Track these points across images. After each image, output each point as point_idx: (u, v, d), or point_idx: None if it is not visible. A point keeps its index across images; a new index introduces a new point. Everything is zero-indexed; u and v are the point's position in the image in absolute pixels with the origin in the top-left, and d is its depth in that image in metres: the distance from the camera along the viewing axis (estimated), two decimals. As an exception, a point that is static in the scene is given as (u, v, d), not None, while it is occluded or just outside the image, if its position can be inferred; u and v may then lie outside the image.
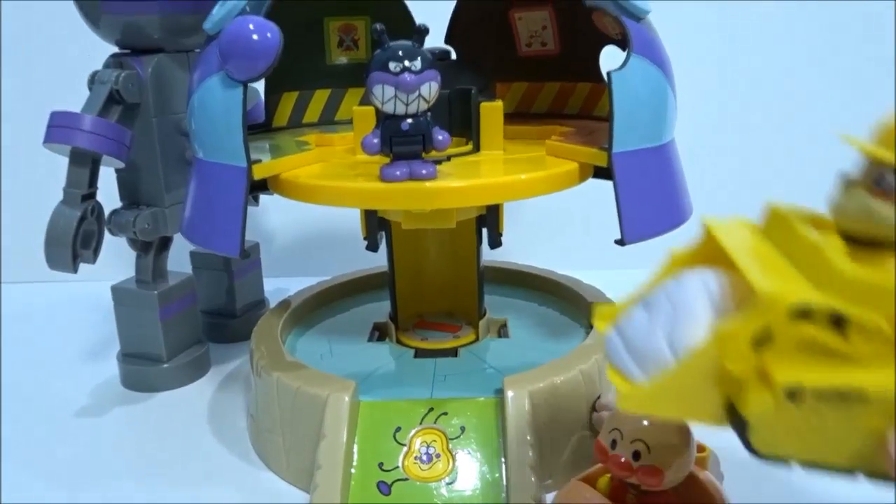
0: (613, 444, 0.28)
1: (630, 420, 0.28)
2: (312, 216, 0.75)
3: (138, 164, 0.48)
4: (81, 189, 0.44)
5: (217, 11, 0.38)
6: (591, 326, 0.46)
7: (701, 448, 0.31)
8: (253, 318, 0.59)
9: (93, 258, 0.46)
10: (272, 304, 0.62)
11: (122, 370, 0.52)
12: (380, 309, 0.51)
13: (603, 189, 0.43)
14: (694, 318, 0.22)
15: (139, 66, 0.46)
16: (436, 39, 0.49)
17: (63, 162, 0.45)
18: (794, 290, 0.20)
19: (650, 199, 0.37)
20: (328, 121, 0.53)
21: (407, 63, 0.33)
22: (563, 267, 0.55)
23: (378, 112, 0.36)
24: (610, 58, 0.48)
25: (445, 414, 0.37)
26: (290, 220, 0.75)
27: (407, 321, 0.48)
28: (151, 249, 0.50)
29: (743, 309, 0.20)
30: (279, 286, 0.67)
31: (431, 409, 0.37)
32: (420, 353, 0.45)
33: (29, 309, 0.68)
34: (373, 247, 0.44)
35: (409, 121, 0.34)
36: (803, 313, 0.19)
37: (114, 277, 0.52)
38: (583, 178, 0.39)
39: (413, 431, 0.37)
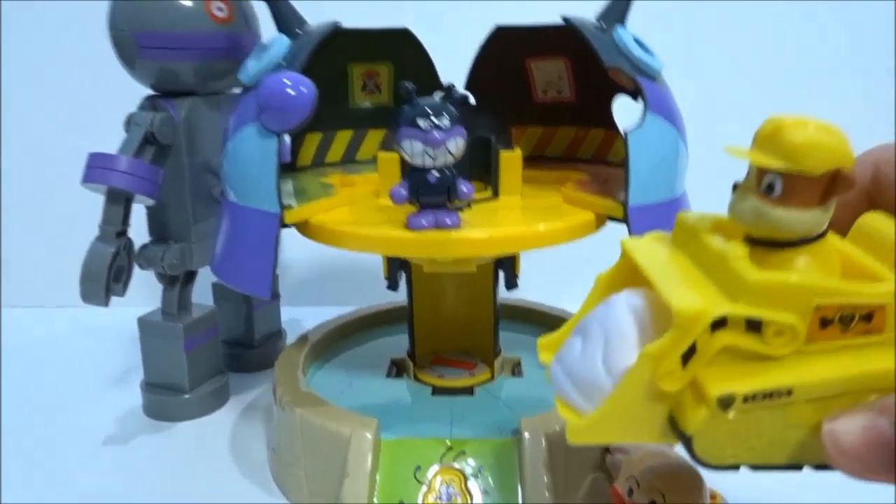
0: (630, 492, 0.29)
1: (647, 469, 0.29)
2: (326, 247, 0.77)
3: (167, 201, 0.50)
4: (116, 226, 0.46)
5: (253, 64, 0.40)
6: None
7: (713, 495, 0.32)
8: (270, 348, 0.61)
9: (123, 291, 0.48)
10: (289, 333, 0.64)
11: (146, 399, 0.53)
12: (396, 343, 0.53)
13: (616, 231, 0.45)
14: (625, 341, 0.22)
15: (172, 108, 0.48)
16: (456, 85, 0.52)
17: (93, 196, 0.47)
18: (708, 304, 0.20)
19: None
20: (350, 160, 0.55)
21: (435, 120, 0.35)
22: (576, 306, 0.56)
23: (404, 161, 0.38)
24: (622, 105, 0.50)
25: (464, 453, 0.39)
26: (304, 249, 0.77)
27: (424, 357, 0.50)
28: (178, 283, 0.52)
29: (668, 326, 0.20)
30: (295, 316, 0.68)
31: (450, 449, 0.39)
32: (437, 391, 0.46)
33: (54, 334, 0.69)
34: (393, 286, 0.45)
35: (436, 174, 0.36)
36: (719, 323, 0.20)
37: (135, 303, 0.53)
38: (598, 227, 0.41)
39: (433, 470, 0.38)
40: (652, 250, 0.25)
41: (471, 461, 0.38)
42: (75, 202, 0.51)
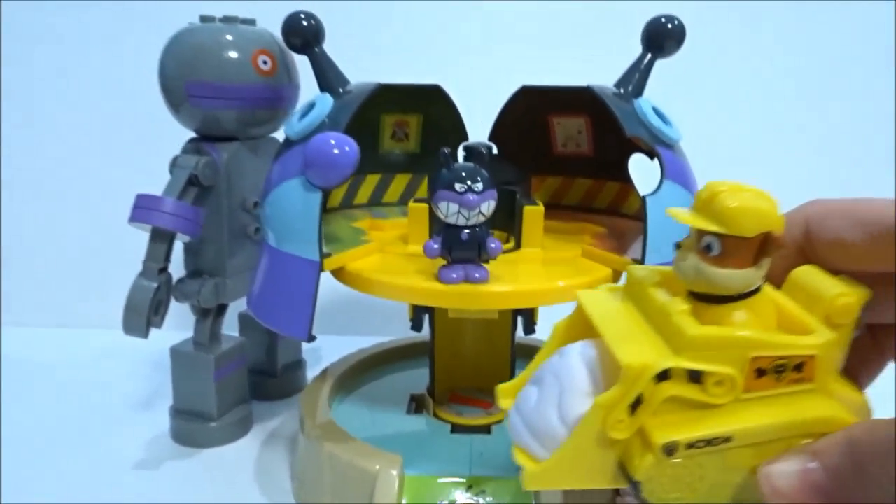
0: None
1: None
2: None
3: (205, 238, 0.53)
4: (158, 263, 0.49)
5: (298, 121, 0.43)
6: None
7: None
8: (290, 377, 0.64)
9: (160, 323, 0.50)
10: (309, 363, 0.67)
11: (173, 425, 0.56)
12: (414, 378, 0.55)
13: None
14: (578, 391, 0.24)
15: (215, 152, 0.51)
16: (480, 134, 0.55)
17: (129, 227, 0.50)
18: (653, 357, 0.22)
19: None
20: (377, 202, 0.58)
21: (470, 184, 0.38)
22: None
23: (432, 212, 0.41)
24: (638, 161, 0.53)
25: (484, 491, 0.41)
26: (322, 280, 0.79)
27: (442, 395, 0.52)
28: (210, 315, 0.55)
29: (617, 377, 0.22)
30: (314, 345, 0.70)
31: (471, 487, 0.41)
32: (456, 429, 0.49)
33: (84, 355, 0.71)
34: (418, 328, 0.48)
35: (468, 231, 0.39)
36: (663, 375, 0.22)
37: (164, 328, 0.55)
38: (615, 282, 0.44)
39: (454, 506, 0.41)
40: (604, 302, 0.27)
41: (490, 499, 0.41)
42: (115, 233, 0.54)
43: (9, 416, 0.58)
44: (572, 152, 0.57)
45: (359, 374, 0.57)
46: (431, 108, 0.55)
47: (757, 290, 0.23)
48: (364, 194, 0.58)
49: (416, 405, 0.53)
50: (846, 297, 0.22)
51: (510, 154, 0.55)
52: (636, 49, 0.46)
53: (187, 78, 0.49)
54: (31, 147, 0.78)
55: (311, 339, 0.41)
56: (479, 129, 0.56)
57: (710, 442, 0.22)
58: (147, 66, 0.52)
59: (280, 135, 0.49)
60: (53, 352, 0.72)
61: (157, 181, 0.50)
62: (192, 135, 0.54)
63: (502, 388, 0.28)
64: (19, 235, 0.79)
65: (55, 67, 0.76)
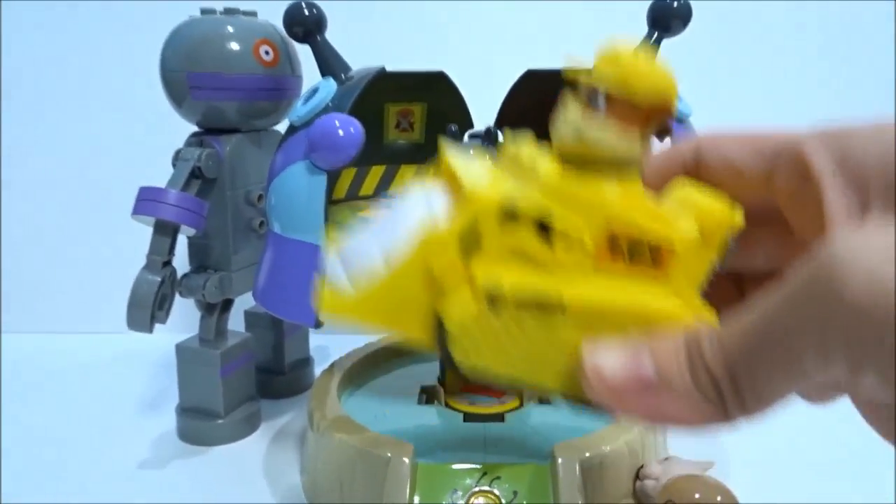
0: None
1: (685, 491, 0.31)
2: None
3: (209, 232, 0.52)
4: (162, 256, 0.48)
5: (302, 106, 0.43)
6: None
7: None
8: (299, 374, 0.63)
9: (165, 318, 0.50)
10: (316, 361, 0.66)
11: (180, 423, 0.55)
12: (424, 370, 0.54)
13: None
14: (409, 225, 0.20)
15: (218, 144, 0.51)
16: (486, 123, 0.54)
17: (135, 227, 0.49)
18: (504, 191, 0.19)
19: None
20: (382, 194, 0.57)
21: (478, 161, 0.37)
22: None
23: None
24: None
25: (499, 478, 0.40)
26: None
27: (453, 385, 0.51)
28: (216, 310, 0.54)
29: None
30: (321, 343, 0.70)
31: (485, 474, 0.40)
32: (468, 417, 0.48)
33: (90, 360, 0.71)
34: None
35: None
36: (510, 214, 0.19)
37: (169, 329, 0.55)
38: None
39: (469, 494, 0.39)
40: (473, 164, 0.22)
41: (506, 485, 0.40)
42: (120, 233, 0.54)
43: (15, 421, 0.57)
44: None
45: (368, 367, 0.56)
46: (435, 96, 0.55)
47: (632, 167, 0.21)
48: (370, 186, 0.57)
49: (428, 396, 0.52)
50: (722, 209, 0.20)
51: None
52: (642, 31, 0.46)
53: (189, 70, 0.49)
54: (29, 148, 0.77)
55: (319, 325, 0.40)
56: (484, 117, 0.55)
57: (540, 305, 0.19)
58: (148, 61, 0.52)
59: (283, 127, 0.48)
60: (58, 358, 0.71)
61: (160, 180, 0.49)
62: (195, 130, 0.53)
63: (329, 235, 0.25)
64: (18, 239, 0.78)
65: (54, 65, 0.75)
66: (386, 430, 0.43)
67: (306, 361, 0.65)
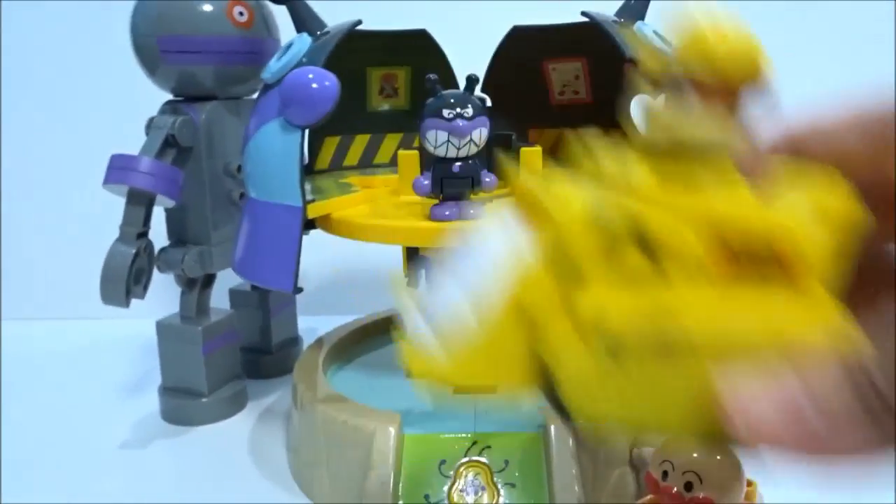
0: (664, 475, 0.29)
1: (681, 452, 0.29)
2: (342, 256, 0.77)
3: (187, 204, 0.50)
4: (137, 227, 0.46)
5: (275, 62, 0.41)
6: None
7: (748, 482, 0.31)
8: (287, 354, 0.61)
9: (142, 293, 0.48)
10: (305, 341, 0.64)
11: (163, 404, 0.53)
12: (415, 346, 0.53)
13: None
14: (491, 265, 0.17)
15: (193, 112, 0.49)
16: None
17: (106, 201, 0.47)
18: (592, 205, 0.16)
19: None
20: (367, 164, 0.56)
21: (459, 110, 0.35)
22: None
23: (424, 157, 0.38)
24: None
25: (489, 447, 0.38)
26: (320, 259, 0.77)
27: (444, 358, 0.49)
28: (196, 286, 0.52)
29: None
30: (311, 325, 0.68)
31: (475, 443, 0.38)
32: (459, 389, 0.46)
33: (69, 345, 0.69)
34: (413, 284, 0.45)
35: (460, 163, 0.36)
36: (604, 231, 0.16)
37: (152, 314, 0.53)
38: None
39: (458, 464, 0.38)
40: (552, 182, 0.19)
41: (497, 455, 0.38)
42: (91, 212, 0.52)
43: (-7, 404, 0.56)
44: (570, 100, 0.54)
45: (356, 343, 0.54)
46: (419, 58, 0.53)
47: (728, 157, 0.17)
48: (354, 156, 0.55)
49: (417, 370, 0.50)
50: (844, 200, 0.17)
51: (505, 107, 0.52)
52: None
53: (159, 33, 0.47)
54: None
55: (298, 290, 0.38)
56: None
57: (658, 337, 0.16)
58: (118, 29, 0.50)
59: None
60: (40, 343, 0.70)
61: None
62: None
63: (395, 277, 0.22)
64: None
65: (26, 43, 0.73)
66: (375, 404, 0.41)
67: (294, 341, 0.63)
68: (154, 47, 0.47)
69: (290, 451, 0.46)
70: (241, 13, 0.48)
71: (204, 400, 0.52)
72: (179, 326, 0.52)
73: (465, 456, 0.38)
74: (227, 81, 0.50)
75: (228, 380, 0.54)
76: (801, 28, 0.72)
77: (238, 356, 0.55)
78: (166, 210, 0.51)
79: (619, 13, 0.42)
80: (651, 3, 0.43)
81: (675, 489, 0.28)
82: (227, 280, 0.55)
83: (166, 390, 0.53)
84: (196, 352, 0.51)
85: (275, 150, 0.39)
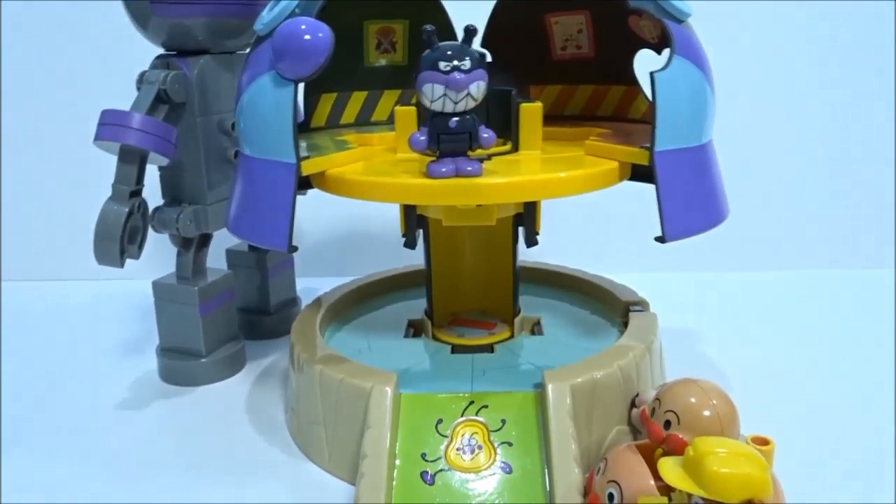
0: (653, 413, 0.30)
1: (671, 394, 0.29)
2: (341, 216, 0.77)
3: (182, 163, 0.49)
4: (129, 185, 0.45)
5: (267, 13, 0.39)
6: (624, 325, 0.46)
7: (764, 441, 0.31)
8: (285, 315, 0.61)
9: (137, 254, 0.47)
10: (304, 302, 0.64)
11: (161, 364, 0.53)
12: (413, 307, 0.52)
13: (632, 194, 0.44)
14: None
15: (185, 66, 0.48)
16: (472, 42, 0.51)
17: (101, 161, 0.46)
18: None
19: (690, 198, 0.38)
20: (365, 122, 0.54)
21: (457, 62, 0.34)
22: (594, 269, 0.56)
23: (422, 112, 0.37)
24: (643, 61, 0.49)
25: (486, 407, 0.38)
26: (319, 219, 0.76)
27: (442, 319, 0.49)
28: (192, 246, 0.51)
29: None
30: (310, 286, 0.68)
31: (472, 403, 0.38)
32: (457, 349, 0.46)
33: (67, 306, 0.69)
34: (411, 244, 0.44)
35: (457, 119, 0.35)
36: None
37: (148, 276, 0.53)
38: (622, 178, 0.40)
39: (455, 423, 0.37)
40: None
41: (494, 414, 0.38)
42: (84, 170, 0.51)
43: (-9, 364, 0.56)
44: (572, 55, 0.52)
45: (354, 304, 0.54)
46: (417, 11, 0.51)
47: None
48: (351, 113, 0.54)
49: (415, 330, 0.50)
50: None
51: (506, 62, 0.51)
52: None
53: (149, -17, 0.45)
54: None
55: (293, 249, 0.38)
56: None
57: None
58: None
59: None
60: (35, 305, 0.69)
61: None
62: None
63: None
64: None
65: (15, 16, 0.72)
66: (372, 364, 0.41)
67: (293, 301, 0.63)
68: (144, -1, 0.46)
69: (289, 411, 0.46)
70: (232, -37, 0.46)
71: (202, 360, 0.52)
72: (176, 287, 0.51)
73: (462, 415, 0.38)
74: (220, 34, 0.48)
75: (226, 340, 0.54)
76: (801, 27, 0.71)
77: (235, 316, 0.55)
78: (160, 168, 0.50)
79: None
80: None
81: (656, 426, 0.29)
82: (223, 240, 0.55)
83: (164, 351, 0.53)
84: (193, 312, 0.51)
85: (268, 104, 0.38)
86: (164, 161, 0.47)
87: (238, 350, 0.54)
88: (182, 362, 0.52)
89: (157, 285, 0.52)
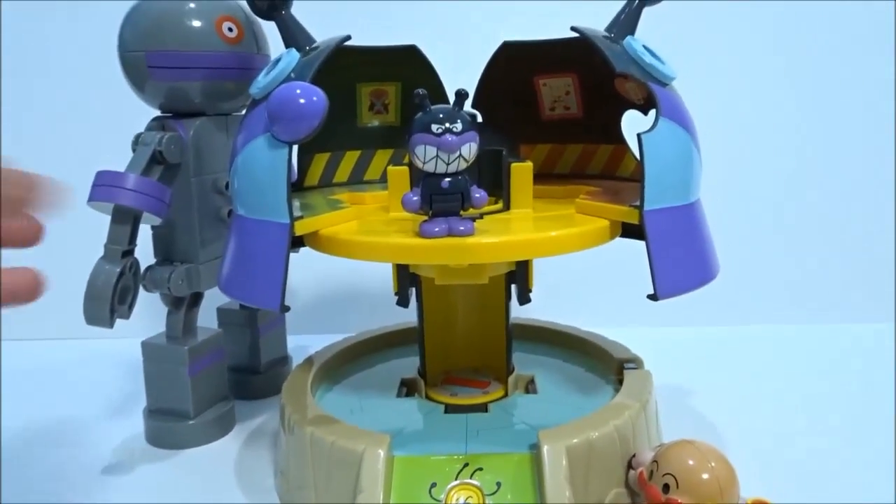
0: (651, 475, 0.29)
1: (669, 456, 0.29)
2: (334, 273, 0.77)
3: (174, 222, 0.50)
4: (122, 245, 0.45)
5: (263, 77, 0.40)
6: (619, 382, 0.46)
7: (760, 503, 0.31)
8: (276, 374, 0.60)
9: (128, 313, 0.47)
10: (295, 360, 0.63)
11: (148, 426, 0.52)
12: (405, 365, 0.52)
13: (624, 250, 0.44)
14: None
15: (181, 128, 0.48)
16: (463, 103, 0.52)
17: (97, 218, 0.46)
18: None
19: (681, 256, 0.38)
20: (358, 180, 0.55)
21: (448, 125, 0.34)
22: (586, 325, 0.56)
23: (413, 172, 0.38)
24: (631, 121, 0.50)
25: (481, 469, 0.37)
26: (311, 276, 0.76)
27: (435, 377, 0.48)
28: (183, 305, 0.51)
29: None
30: (302, 343, 0.67)
31: (467, 465, 0.37)
32: (450, 409, 0.45)
33: (54, 365, 0.68)
34: (404, 302, 0.44)
35: (449, 179, 0.35)
36: None
37: (138, 335, 0.52)
38: (613, 236, 0.40)
39: (449, 487, 0.37)
40: None
41: (488, 477, 0.37)
42: (76, 229, 0.51)
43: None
44: (561, 116, 0.54)
45: (346, 362, 0.53)
46: (409, 74, 0.52)
47: None
48: (344, 172, 0.55)
49: (408, 389, 0.49)
50: None
51: (496, 122, 0.52)
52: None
53: (148, 48, 0.47)
54: None
55: (285, 309, 0.38)
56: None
57: None
58: (105, 43, 0.49)
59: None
60: (22, 364, 0.68)
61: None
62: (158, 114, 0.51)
63: None
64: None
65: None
66: (364, 425, 0.40)
67: (284, 360, 0.62)
68: (142, 62, 0.47)
69: (279, 474, 0.45)
70: (230, 29, 0.47)
71: (190, 422, 0.51)
72: (165, 347, 0.50)
73: (457, 478, 0.37)
74: (216, 97, 0.49)
75: (215, 401, 0.53)
76: (800, 28, 0.73)
77: (225, 376, 0.54)
78: (153, 227, 0.51)
79: (610, 28, 0.42)
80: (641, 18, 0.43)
81: (655, 489, 0.29)
82: (214, 299, 0.54)
83: (151, 413, 0.52)
84: (182, 373, 0.50)
85: (262, 165, 0.38)
86: (157, 220, 0.48)
87: (227, 411, 0.53)
88: (169, 424, 0.51)
89: (146, 346, 0.51)
